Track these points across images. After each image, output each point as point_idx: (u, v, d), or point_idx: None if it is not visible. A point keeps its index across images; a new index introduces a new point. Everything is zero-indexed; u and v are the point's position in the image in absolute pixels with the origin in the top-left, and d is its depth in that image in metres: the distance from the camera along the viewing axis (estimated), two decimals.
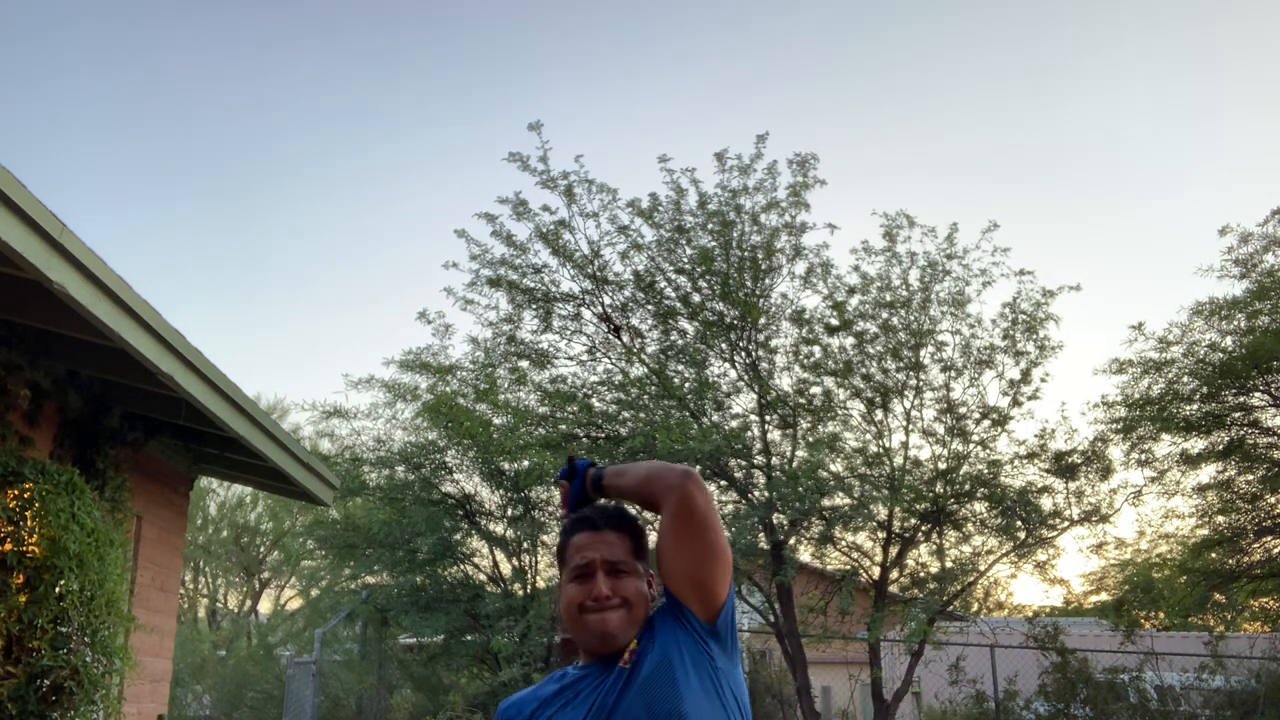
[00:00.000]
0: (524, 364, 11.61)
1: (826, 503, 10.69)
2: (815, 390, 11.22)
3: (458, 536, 12.29)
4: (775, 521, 10.57)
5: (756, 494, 10.88)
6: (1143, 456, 12.23)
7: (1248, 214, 16.88)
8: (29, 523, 4.43)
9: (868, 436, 11.19)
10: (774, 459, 11.09)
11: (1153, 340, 12.14)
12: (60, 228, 3.65)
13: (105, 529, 4.81)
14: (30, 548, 4.41)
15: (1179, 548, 14.02)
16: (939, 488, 10.79)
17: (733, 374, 11.41)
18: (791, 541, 10.89)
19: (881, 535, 11.29)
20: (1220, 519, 13.10)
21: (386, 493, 12.02)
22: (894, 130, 33.66)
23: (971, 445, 11.12)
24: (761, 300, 11.09)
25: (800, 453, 10.95)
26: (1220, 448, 12.21)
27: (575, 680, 1.97)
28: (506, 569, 12.44)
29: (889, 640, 12.02)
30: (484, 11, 32.03)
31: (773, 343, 11.35)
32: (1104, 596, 21.05)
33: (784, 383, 11.38)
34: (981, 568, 11.55)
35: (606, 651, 1.94)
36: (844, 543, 11.44)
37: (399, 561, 12.23)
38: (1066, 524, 11.22)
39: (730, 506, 11.19)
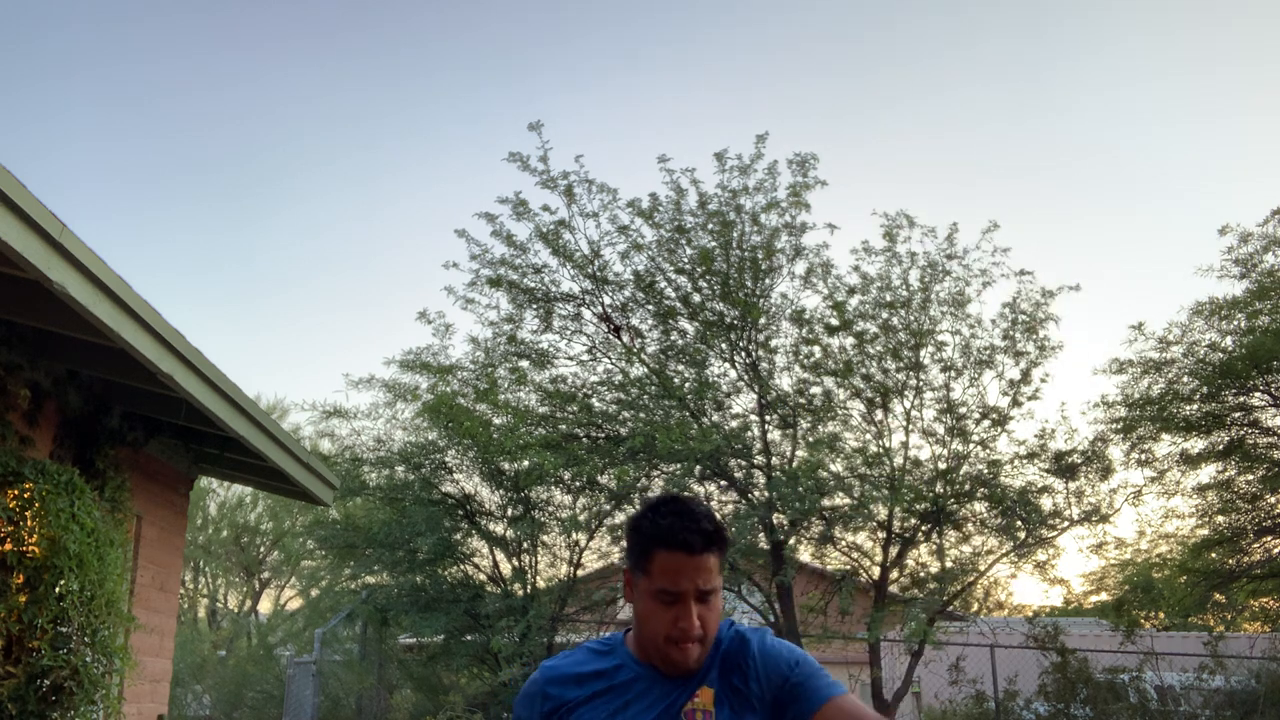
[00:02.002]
0: (524, 364, 11.61)
1: (826, 503, 10.70)
2: (815, 390, 11.22)
3: (458, 536, 12.28)
4: (775, 521, 10.57)
5: (756, 494, 10.88)
6: (1143, 456, 12.24)
7: (1248, 214, 16.90)
8: (29, 523, 4.43)
9: (868, 436, 11.20)
10: (774, 459, 11.10)
11: (1153, 340, 12.16)
12: (60, 228, 3.64)
13: (105, 529, 4.81)
14: (30, 548, 4.41)
15: (1179, 548, 14.03)
16: (939, 488, 10.79)
17: (733, 374, 11.42)
18: (791, 541, 10.90)
19: (881, 535, 11.29)
20: (1220, 519, 13.10)
21: (386, 493, 12.01)
22: (894, 130, 33.66)
23: (971, 445, 11.12)
24: (761, 300, 11.09)
25: (800, 453, 10.95)
26: (1220, 448, 12.22)
27: (627, 682, 1.87)
28: (506, 569, 12.43)
29: (889, 640, 12.02)
30: (484, 11, 32.04)
31: (773, 343, 11.36)
32: (1104, 596, 21.09)
33: (784, 383, 11.40)
34: (981, 568, 11.55)
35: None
36: (844, 543, 11.45)
37: (399, 561, 12.22)
38: (1066, 524, 11.22)
39: (730, 506, 11.19)
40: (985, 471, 11.05)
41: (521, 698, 1.94)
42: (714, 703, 1.83)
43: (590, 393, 11.66)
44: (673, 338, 11.50)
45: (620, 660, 1.90)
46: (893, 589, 11.48)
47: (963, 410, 11.10)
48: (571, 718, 1.85)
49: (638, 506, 1.99)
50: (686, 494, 1.95)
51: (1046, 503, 11.20)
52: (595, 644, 1.96)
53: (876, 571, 11.30)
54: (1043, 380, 11.00)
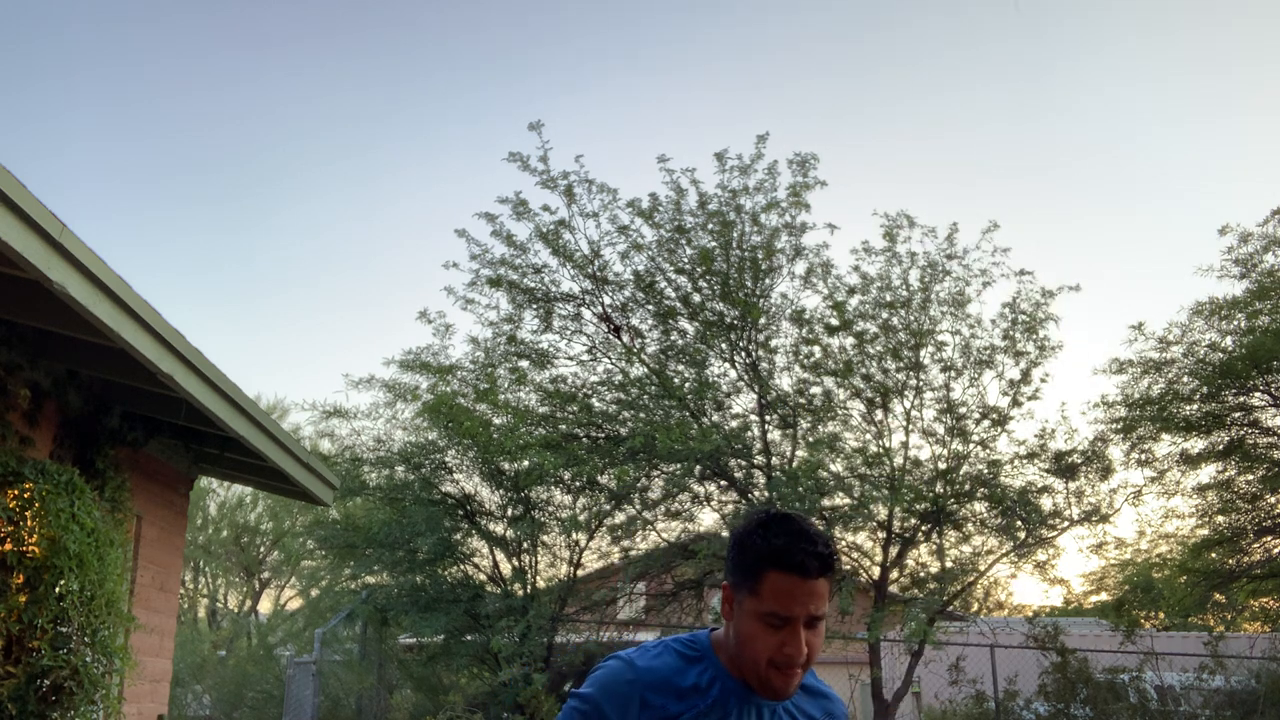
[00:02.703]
0: (524, 364, 11.61)
1: (826, 503, 10.70)
2: (815, 390, 11.22)
3: (458, 536, 12.28)
4: None
5: (756, 494, 10.88)
6: (1143, 456, 12.24)
7: (1248, 214, 16.90)
8: (29, 523, 4.43)
9: (868, 436, 11.20)
10: (774, 459, 11.09)
11: (1153, 340, 12.16)
12: (60, 228, 3.65)
13: (105, 529, 4.81)
14: (30, 548, 4.41)
15: (1179, 548, 14.03)
16: (939, 488, 10.78)
17: (733, 374, 11.42)
18: None
19: (881, 535, 11.29)
20: (1220, 519, 13.10)
21: (386, 493, 12.01)
22: (894, 130, 33.65)
23: (971, 445, 11.12)
24: (761, 300, 11.09)
25: (800, 453, 10.95)
26: (1220, 448, 12.21)
27: (719, 700, 1.80)
28: (506, 569, 12.43)
29: (889, 640, 12.02)
30: (484, 11, 32.05)
31: (773, 343, 11.36)
32: (1104, 596, 21.09)
33: (784, 383, 11.40)
34: (981, 568, 11.55)
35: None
36: (844, 543, 11.44)
37: (399, 561, 12.22)
38: (1066, 524, 11.22)
39: (730, 506, 11.19)
40: (985, 471, 11.05)
41: (608, 694, 1.79)
42: None
43: (590, 393, 11.66)
44: (673, 338, 11.50)
45: (712, 672, 1.82)
46: (893, 589, 11.48)
47: (963, 410, 11.11)
48: None
49: (747, 521, 1.91)
50: (798, 512, 1.90)
51: (1046, 503, 11.21)
52: (683, 647, 1.86)
53: (876, 571, 11.30)
54: (1043, 380, 11.01)
